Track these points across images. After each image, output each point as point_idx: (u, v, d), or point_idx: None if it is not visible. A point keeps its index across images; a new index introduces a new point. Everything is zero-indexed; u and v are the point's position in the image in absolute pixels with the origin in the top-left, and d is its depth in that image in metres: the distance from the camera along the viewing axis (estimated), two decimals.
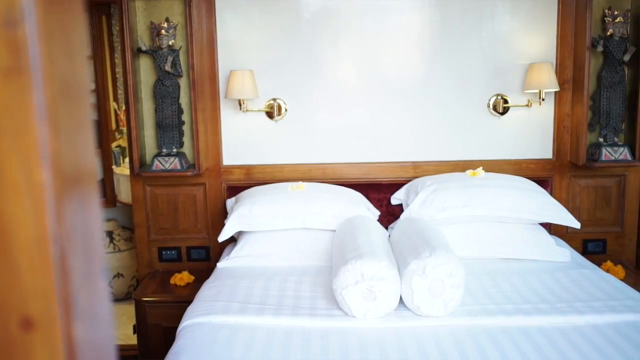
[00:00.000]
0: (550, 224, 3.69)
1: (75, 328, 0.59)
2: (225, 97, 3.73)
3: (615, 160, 3.68)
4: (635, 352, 2.34)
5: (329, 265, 3.18)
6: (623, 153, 3.67)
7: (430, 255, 2.69)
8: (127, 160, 4.32)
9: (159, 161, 3.66)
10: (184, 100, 3.73)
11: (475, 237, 3.43)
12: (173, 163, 3.66)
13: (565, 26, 3.74)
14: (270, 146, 3.86)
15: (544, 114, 3.84)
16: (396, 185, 3.80)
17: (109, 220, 5.16)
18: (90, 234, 0.64)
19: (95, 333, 0.64)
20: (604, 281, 3.06)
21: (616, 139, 3.74)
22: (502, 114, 3.84)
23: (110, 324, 0.68)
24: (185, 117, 3.75)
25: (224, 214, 3.79)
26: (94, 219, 0.66)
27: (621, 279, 3.30)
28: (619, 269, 3.60)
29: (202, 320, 2.69)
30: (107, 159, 5.01)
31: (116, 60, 5.07)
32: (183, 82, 3.71)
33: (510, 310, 2.72)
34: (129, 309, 4.47)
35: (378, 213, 3.67)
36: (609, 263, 3.66)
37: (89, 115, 0.65)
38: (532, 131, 3.85)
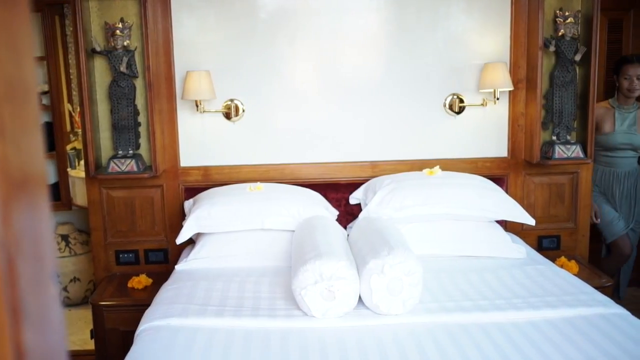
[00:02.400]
0: (506, 221, 3.74)
1: (24, 335, 0.57)
2: (182, 98, 3.70)
3: (568, 158, 3.76)
4: (588, 345, 2.40)
5: (288, 266, 3.18)
6: (575, 151, 3.75)
7: (388, 254, 2.71)
8: (82, 162, 4.24)
9: (115, 163, 3.61)
10: (140, 101, 3.69)
11: (433, 235, 3.47)
12: (129, 165, 3.61)
13: (518, 27, 3.81)
14: (228, 147, 3.84)
15: (499, 113, 3.90)
16: (354, 185, 3.82)
17: (64, 223, 5.07)
18: (39, 238, 0.63)
19: (45, 340, 0.63)
20: (558, 276, 3.12)
21: (569, 137, 3.82)
22: (458, 113, 3.88)
23: (61, 330, 0.67)
24: (141, 118, 3.70)
25: (182, 216, 3.76)
26: (43, 223, 0.64)
27: (575, 274, 3.37)
28: (573, 264, 3.67)
29: (161, 324, 2.66)
30: (62, 162, 4.92)
31: (70, 61, 4.98)
32: (139, 83, 3.67)
33: (467, 307, 2.76)
34: (86, 314, 4.40)
35: (337, 213, 3.68)
36: (563, 259, 3.73)
37: (37, 117, 0.64)
38: (488, 130, 3.90)
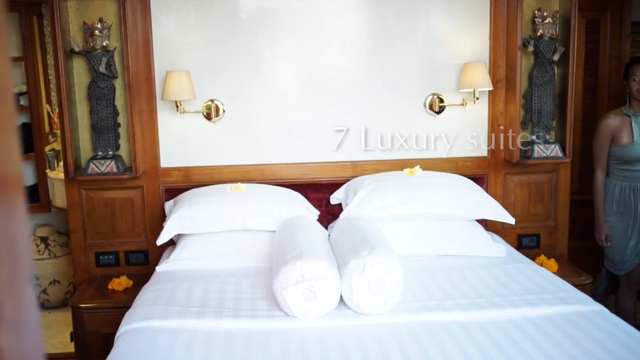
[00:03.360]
0: (486, 220, 3.77)
1: (0, 338, 0.57)
2: (162, 98, 3.68)
3: (547, 157, 3.79)
4: (568, 342, 2.42)
5: (269, 266, 3.17)
6: (554, 150, 3.78)
7: (369, 254, 2.72)
8: (61, 164, 4.21)
9: (95, 164, 3.59)
10: (119, 102, 3.66)
11: (414, 235, 3.48)
12: (109, 166, 3.59)
13: (498, 27, 3.83)
14: (209, 148, 3.83)
15: (479, 113, 3.92)
16: (335, 185, 3.82)
17: (43, 225, 5.03)
18: (15, 241, 0.63)
19: (22, 343, 0.63)
20: (538, 275, 3.15)
21: (547, 137, 3.85)
22: (438, 113, 3.90)
23: (38, 333, 0.67)
24: (121, 119, 3.68)
25: (162, 217, 3.74)
26: (19, 225, 0.64)
27: (554, 272, 3.40)
28: (552, 262, 3.70)
29: (141, 325, 2.64)
30: (41, 163, 4.88)
31: (48, 62, 4.94)
32: (118, 84, 3.64)
33: (448, 306, 2.77)
34: (66, 316, 4.37)
35: (318, 213, 3.68)
36: (542, 257, 3.76)
37: (12, 118, 0.63)
38: (468, 129, 3.92)
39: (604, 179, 3.94)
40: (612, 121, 3.87)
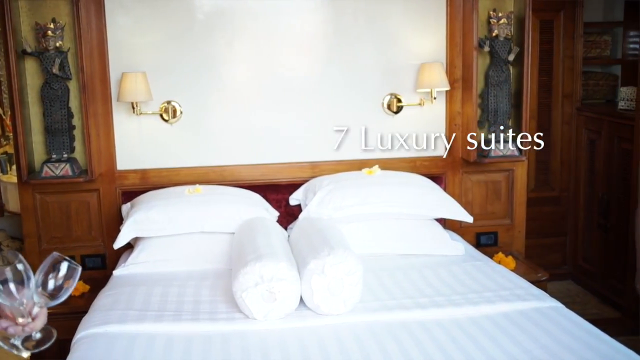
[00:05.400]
0: (444, 219, 3.79)
1: None
2: (118, 100, 3.63)
3: (504, 156, 3.83)
4: (525, 338, 2.45)
5: (229, 268, 3.14)
6: (510, 149, 3.83)
7: (328, 254, 2.72)
8: (14, 167, 4.12)
9: (49, 167, 3.52)
10: (74, 103, 3.59)
11: (373, 234, 3.49)
12: (64, 169, 3.52)
13: (454, 27, 3.87)
14: (166, 149, 3.78)
15: (436, 113, 3.95)
16: (294, 186, 3.81)
17: None
18: None
19: None
20: (495, 272, 3.18)
21: (504, 136, 3.88)
22: (397, 113, 3.92)
23: None
24: (76, 121, 3.61)
25: (119, 220, 3.68)
26: None
27: (512, 269, 3.43)
28: (510, 259, 3.75)
29: (98, 331, 2.61)
30: None
31: (0, 63, 4.83)
32: (73, 85, 3.57)
33: (408, 305, 2.79)
34: None
35: (277, 214, 3.66)
36: (500, 255, 3.80)
37: None
38: (425, 129, 3.94)
39: None
40: None
